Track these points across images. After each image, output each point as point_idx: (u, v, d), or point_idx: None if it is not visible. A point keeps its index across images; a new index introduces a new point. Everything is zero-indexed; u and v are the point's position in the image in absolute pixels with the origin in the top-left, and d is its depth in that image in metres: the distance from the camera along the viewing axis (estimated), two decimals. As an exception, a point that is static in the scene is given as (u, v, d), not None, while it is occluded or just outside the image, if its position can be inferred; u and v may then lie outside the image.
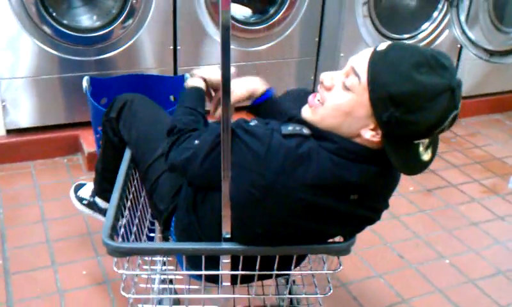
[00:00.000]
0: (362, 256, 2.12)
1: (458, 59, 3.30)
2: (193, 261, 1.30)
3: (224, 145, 1.08)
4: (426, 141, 1.11)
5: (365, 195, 1.17)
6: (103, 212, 1.88)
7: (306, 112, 1.20)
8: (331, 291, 1.36)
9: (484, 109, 3.51)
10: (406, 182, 2.68)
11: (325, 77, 1.18)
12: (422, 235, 2.30)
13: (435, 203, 2.55)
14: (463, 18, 3.05)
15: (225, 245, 1.21)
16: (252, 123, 1.17)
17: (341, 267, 1.32)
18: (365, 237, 2.20)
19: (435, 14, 3.10)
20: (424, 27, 3.11)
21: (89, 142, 2.55)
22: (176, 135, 1.28)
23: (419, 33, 3.10)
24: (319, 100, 1.18)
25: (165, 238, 1.47)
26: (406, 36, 3.07)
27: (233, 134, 1.11)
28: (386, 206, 1.27)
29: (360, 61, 1.11)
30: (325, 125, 1.16)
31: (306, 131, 1.14)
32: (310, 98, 1.21)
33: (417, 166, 1.12)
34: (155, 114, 1.63)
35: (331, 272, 1.33)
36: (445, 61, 1.08)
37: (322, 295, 1.36)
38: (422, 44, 3.12)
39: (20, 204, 2.30)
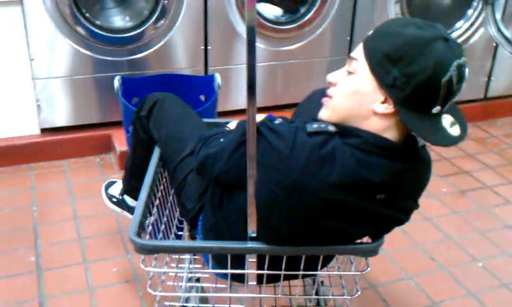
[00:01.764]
0: (392, 258, 2.09)
1: (493, 58, 3.23)
2: (220, 259, 1.30)
3: (249, 143, 1.07)
4: (447, 115, 1.10)
5: (392, 194, 1.15)
6: (131, 210, 1.90)
7: (321, 112, 1.22)
8: (359, 292, 1.34)
9: (519, 108, 3.43)
10: (438, 183, 2.63)
11: (330, 76, 1.20)
12: (454, 237, 2.25)
13: (468, 205, 2.49)
14: (498, 16, 2.99)
15: (251, 245, 1.20)
16: (277, 121, 1.16)
17: (368, 268, 1.29)
18: (395, 238, 2.18)
19: (470, 12, 3.03)
20: (458, 25, 3.04)
21: (121, 141, 2.58)
22: (205, 139, 1.29)
23: (453, 31, 3.04)
24: (329, 97, 1.20)
25: (192, 237, 1.48)
26: (439, 34, 3.01)
27: (258, 132, 1.10)
28: (415, 206, 1.25)
29: (356, 48, 1.16)
30: (338, 114, 1.16)
31: (331, 128, 1.13)
32: (323, 100, 1.22)
33: (444, 138, 1.10)
34: (185, 114, 1.65)
35: (359, 273, 1.31)
36: (433, 24, 1.10)
37: (349, 297, 1.34)
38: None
39: (53, 201, 2.34)
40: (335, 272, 1.38)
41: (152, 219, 1.35)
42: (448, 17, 3.07)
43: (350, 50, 3.05)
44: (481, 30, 3.07)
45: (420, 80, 1.05)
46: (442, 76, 1.05)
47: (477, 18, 3.03)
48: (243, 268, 1.25)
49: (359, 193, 1.12)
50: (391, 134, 1.13)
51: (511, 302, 1.93)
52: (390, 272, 2.02)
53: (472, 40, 3.09)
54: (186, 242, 1.53)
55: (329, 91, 1.20)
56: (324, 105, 1.21)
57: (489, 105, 3.33)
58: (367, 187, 1.12)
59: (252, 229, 1.18)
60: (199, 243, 1.38)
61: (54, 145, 2.62)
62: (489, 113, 3.33)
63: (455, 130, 1.11)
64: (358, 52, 1.14)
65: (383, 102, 1.10)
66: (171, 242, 1.45)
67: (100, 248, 2.06)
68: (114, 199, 1.96)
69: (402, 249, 2.14)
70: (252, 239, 1.20)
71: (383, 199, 1.14)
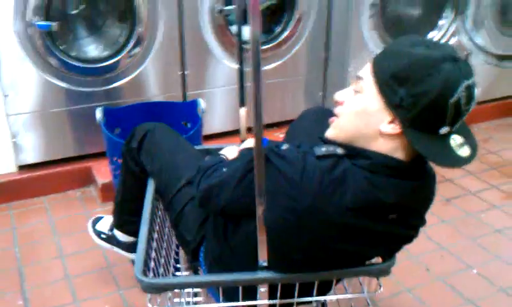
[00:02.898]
0: (388, 272, 2.07)
1: (466, 66, 3.28)
2: (228, 291, 1.26)
3: (257, 170, 1.04)
4: (456, 136, 1.08)
5: (403, 213, 1.14)
6: (122, 245, 1.84)
7: (328, 132, 1.20)
8: None
9: (495, 113, 3.48)
10: (424, 193, 2.63)
11: (337, 94, 1.19)
12: (446, 245, 2.25)
13: (455, 213, 2.50)
14: (469, 25, 3.05)
15: (262, 275, 1.16)
16: (284, 147, 1.14)
17: (381, 289, 1.27)
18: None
19: (441, 22, 3.08)
20: (430, 36, 3.09)
21: (101, 173, 2.52)
22: (205, 169, 1.25)
23: (426, 42, 3.08)
24: (336, 116, 1.18)
25: (193, 269, 1.43)
26: (413, 46, 3.05)
27: (266, 159, 1.08)
28: (423, 222, 1.24)
29: (364, 67, 1.14)
30: (345, 134, 1.15)
31: (340, 151, 1.11)
32: (330, 119, 1.20)
33: (452, 159, 1.08)
34: (178, 143, 1.61)
35: (372, 294, 1.28)
36: (443, 43, 1.11)
37: None
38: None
39: (36, 241, 2.26)
40: (347, 295, 1.33)
41: (153, 255, 1.30)
42: (421, 28, 3.12)
43: (326, 66, 3.07)
44: (455, 38, 3.12)
45: (428, 101, 1.03)
46: (450, 97, 1.03)
47: (448, 28, 3.08)
48: (252, 298, 1.21)
49: (372, 215, 1.10)
50: (399, 154, 1.11)
51: (511, 306, 1.93)
52: (389, 287, 2.00)
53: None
54: (196, 277, 1.47)
55: (336, 110, 1.18)
56: (332, 125, 1.19)
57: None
58: (379, 208, 1.10)
59: (263, 259, 1.14)
60: (209, 277, 1.33)
61: (33, 182, 2.54)
62: (467, 119, 3.36)
63: (464, 151, 1.09)
64: (365, 71, 1.13)
65: (390, 122, 1.08)
66: (182, 278, 1.42)
67: (89, 286, 1.99)
68: (103, 235, 1.89)
69: (398, 262, 2.12)
70: (263, 268, 1.16)
71: (395, 219, 1.13)
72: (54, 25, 2.30)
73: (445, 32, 3.08)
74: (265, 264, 1.16)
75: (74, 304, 1.90)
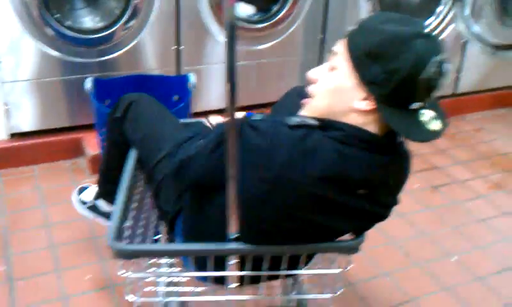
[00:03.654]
0: (368, 255, 2.10)
1: (462, 54, 3.27)
2: (200, 262, 1.29)
3: (230, 142, 1.06)
4: (428, 111, 1.11)
5: (373, 189, 1.16)
6: (105, 215, 1.86)
7: (302, 112, 1.22)
8: (342, 289, 1.34)
9: (488, 104, 3.49)
10: (411, 179, 2.62)
11: (311, 72, 1.21)
12: (428, 232, 2.28)
13: (441, 200, 2.52)
14: (467, 12, 3.03)
15: (233, 246, 1.19)
16: (257, 118, 1.15)
17: (351, 265, 1.30)
18: (370, 235, 2.18)
19: (439, 9, 3.07)
20: (428, 22, 3.08)
21: (92, 145, 2.54)
22: (182, 141, 1.27)
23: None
24: (309, 95, 1.21)
25: (171, 240, 1.46)
26: (409, 31, 3.04)
27: (239, 131, 1.09)
28: (395, 202, 1.25)
29: (338, 42, 1.16)
30: (319, 112, 1.16)
31: (312, 121, 1.13)
32: (304, 101, 1.22)
33: (423, 133, 1.10)
34: (161, 115, 1.62)
35: (341, 270, 1.30)
36: (415, 20, 1.11)
37: (332, 295, 1.34)
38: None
39: (24, 208, 2.29)
40: (317, 271, 1.36)
41: (128, 224, 1.32)
42: (419, 14, 3.10)
43: (322, 48, 3.06)
44: (451, 26, 3.11)
45: (400, 77, 1.05)
46: (422, 73, 1.05)
47: (446, 14, 3.07)
48: (223, 269, 1.24)
49: (341, 187, 1.12)
50: (371, 129, 1.13)
51: (486, 295, 1.96)
52: (367, 270, 2.03)
53: (442, 36, 3.13)
54: (168, 245, 1.50)
55: (310, 89, 1.20)
56: (306, 106, 1.21)
57: (459, 101, 3.38)
58: (349, 181, 1.12)
59: (233, 230, 1.16)
60: (181, 246, 1.36)
61: (24, 150, 2.56)
62: (459, 109, 3.38)
63: (435, 125, 1.12)
64: (340, 47, 1.14)
65: (364, 99, 1.10)
66: (153, 246, 1.44)
67: (72, 255, 2.02)
68: (87, 205, 1.92)
69: (378, 246, 2.16)
70: (233, 240, 1.18)
71: (365, 195, 1.15)
72: (50, -7, 2.30)
73: (442, 19, 3.07)
74: (235, 236, 1.17)
75: (56, 272, 1.94)
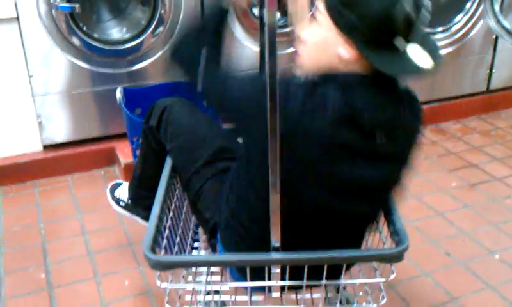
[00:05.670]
0: (408, 255, 2.04)
1: (494, 50, 3.21)
2: (240, 268, 1.27)
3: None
4: (414, 45, 1.11)
5: (388, 130, 1.15)
6: (141, 215, 1.85)
7: (296, 73, 1.23)
8: (385, 300, 1.29)
9: (523, 99, 3.41)
10: (448, 178, 2.60)
11: (301, 31, 1.22)
12: (468, 230, 2.22)
13: (479, 198, 2.46)
14: (497, 7, 2.98)
15: (274, 256, 1.14)
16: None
17: (394, 275, 1.25)
18: (409, 235, 2.15)
19: (468, 5, 3.01)
20: (457, 19, 3.03)
21: (124, 153, 2.55)
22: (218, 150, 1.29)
23: (452, 25, 3.02)
24: (298, 55, 1.22)
25: (212, 246, 1.44)
26: (439, 28, 3.00)
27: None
28: (415, 141, 1.24)
29: None
30: (311, 67, 1.18)
31: (314, 78, 1.14)
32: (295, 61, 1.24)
33: (411, 67, 1.11)
34: (197, 120, 1.59)
35: (384, 279, 1.26)
36: None
37: (375, 304, 1.29)
38: (457, 36, 3.05)
39: (60, 218, 2.31)
40: (360, 280, 1.30)
41: (166, 232, 1.30)
42: (447, 11, 3.06)
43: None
44: (480, 23, 3.05)
45: (374, 15, 1.07)
46: (394, 9, 1.06)
47: (475, 10, 3.01)
48: (263, 275, 1.21)
49: (356, 130, 1.11)
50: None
51: (532, 293, 1.90)
52: (407, 270, 1.98)
53: (472, 33, 3.08)
54: (203, 256, 1.49)
55: (299, 49, 1.22)
56: (297, 66, 1.22)
57: (493, 98, 3.31)
58: (360, 122, 1.11)
59: (276, 239, 1.13)
60: (218, 256, 1.33)
61: (57, 161, 2.59)
62: (493, 105, 3.31)
63: (425, 62, 1.11)
64: (320, 1, 1.16)
65: (346, 46, 1.11)
66: (188, 257, 1.40)
67: (110, 262, 2.02)
68: (122, 203, 1.92)
69: (417, 246, 2.11)
70: (275, 249, 1.14)
71: (381, 138, 1.14)
72: (76, 7, 2.32)
73: (471, 15, 3.01)
74: (277, 245, 1.14)
75: (95, 279, 1.94)
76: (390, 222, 1.28)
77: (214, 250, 1.47)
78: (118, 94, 2.22)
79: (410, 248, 2.04)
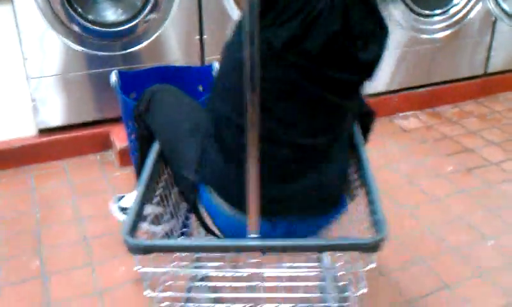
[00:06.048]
0: (401, 240, 2.06)
1: (492, 33, 3.18)
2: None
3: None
4: None
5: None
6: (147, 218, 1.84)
7: None
8: (365, 289, 1.25)
9: (521, 82, 3.39)
10: (444, 162, 2.60)
11: None
12: (463, 216, 2.23)
13: (476, 183, 2.46)
14: (496, -11, 2.95)
15: (252, 242, 1.16)
16: None
17: (373, 265, 1.21)
18: (404, 221, 2.16)
19: (467, -13, 2.99)
20: (455, 1, 3.00)
21: (120, 137, 2.54)
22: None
23: (451, 7, 3.00)
24: None
25: (202, 224, 1.43)
26: (438, 11, 2.97)
27: None
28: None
29: None
30: None
31: None
32: None
33: None
34: (180, 101, 1.59)
35: (363, 268, 1.22)
36: None
37: (356, 294, 1.26)
38: (455, 18, 3.02)
39: (55, 203, 2.30)
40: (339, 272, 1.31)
41: (150, 218, 1.30)
42: (446, -7, 3.03)
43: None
44: (479, 5, 3.02)
45: None
46: None
47: (475, -8, 2.99)
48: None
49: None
50: None
51: (525, 280, 1.91)
52: (401, 256, 1.99)
53: (470, 16, 3.05)
54: (182, 241, 1.47)
55: None
56: None
57: (490, 81, 3.30)
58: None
59: (254, 230, 1.14)
60: (196, 241, 1.35)
61: (52, 145, 2.58)
62: (490, 89, 3.30)
63: None
64: None
65: None
66: (167, 241, 1.39)
67: (105, 248, 2.03)
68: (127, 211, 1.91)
69: (412, 232, 2.12)
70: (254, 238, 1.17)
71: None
72: (71, -12, 2.30)
73: (470, -3, 2.99)
74: (255, 236, 1.16)
75: (90, 265, 1.94)
76: (371, 211, 1.27)
77: (204, 227, 1.46)
78: (114, 77, 2.19)
79: (403, 233, 2.07)
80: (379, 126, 2.91)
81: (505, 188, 2.42)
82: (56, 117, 2.58)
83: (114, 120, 2.60)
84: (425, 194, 2.35)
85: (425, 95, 3.10)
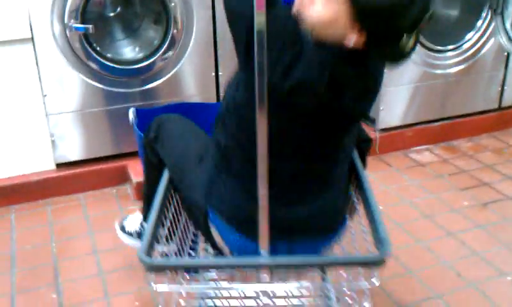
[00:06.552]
0: (418, 276, 2.04)
1: (506, 67, 3.20)
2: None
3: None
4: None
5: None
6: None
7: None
8: (369, 305, 1.29)
9: (536, 116, 3.38)
10: (459, 196, 2.59)
11: None
12: (480, 251, 2.21)
13: (492, 217, 2.44)
14: (508, 25, 2.98)
15: (263, 260, 1.24)
16: None
17: (378, 283, 1.24)
18: (420, 256, 2.15)
19: (479, 23, 3.01)
20: (468, 36, 3.02)
21: (136, 171, 2.57)
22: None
23: (464, 43, 3.02)
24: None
25: (210, 242, 1.47)
26: (450, 46, 2.99)
27: None
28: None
29: None
30: (311, 24, 1.18)
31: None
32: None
33: (398, 57, 1.19)
34: (189, 129, 1.66)
35: (368, 285, 1.26)
36: None
37: None
38: (468, 53, 3.04)
39: (72, 236, 2.33)
40: (343, 289, 1.34)
41: (163, 240, 1.35)
42: (458, 29, 3.06)
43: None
44: (492, 40, 3.05)
45: (399, 27, 1.13)
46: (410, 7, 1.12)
47: (486, 28, 3.01)
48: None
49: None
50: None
51: (545, 316, 1.88)
52: (418, 292, 1.97)
53: (484, 50, 3.07)
54: (194, 260, 1.54)
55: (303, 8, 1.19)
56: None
57: (505, 115, 3.30)
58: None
59: (263, 247, 1.21)
60: (207, 260, 1.45)
61: (70, 179, 2.62)
62: (506, 122, 3.29)
63: (409, 43, 1.16)
64: None
65: (355, 35, 1.14)
66: (179, 260, 1.46)
67: (121, 282, 2.04)
68: (133, 233, 1.94)
69: (428, 267, 2.10)
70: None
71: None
72: (90, 27, 2.36)
73: (483, 32, 3.01)
74: (265, 251, 1.23)
75: (105, 299, 1.95)
76: (373, 229, 1.31)
77: (213, 245, 1.50)
78: (131, 115, 2.24)
79: (420, 269, 2.06)
80: (395, 161, 2.93)
81: (522, 223, 2.40)
82: (73, 152, 2.63)
83: (131, 154, 2.64)
84: (441, 228, 2.34)
85: (439, 129, 3.11)
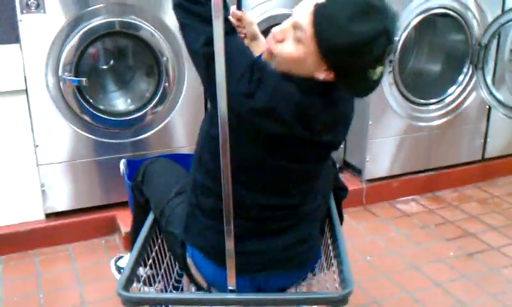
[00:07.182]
0: (406, 327, 2.05)
1: (488, 120, 3.29)
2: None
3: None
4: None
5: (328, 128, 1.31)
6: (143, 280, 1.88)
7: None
8: None
9: (518, 168, 3.46)
10: (445, 247, 2.62)
11: (276, 30, 1.27)
12: (466, 301, 2.23)
13: (477, 268, 2.48)
14: (489, 79, 3.08)
15: (230, 296, 1.29)
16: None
17: None
18: (407, 306, 2.16)
19: (460, 77, 3.12)
20: (450, 91, 3.13)
21: (125, 222, 2.58)
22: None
23: (446, 97, 3.12)
24: (272, 49, 1.29)
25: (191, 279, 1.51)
26: (432, 100, 3.09)
27: None
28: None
29: (303, 14, 1.22)
30: (279, 63, 1.27)
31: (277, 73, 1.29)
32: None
33: (368, 87, 1.25)
34: (171, 168, 1.74)
35: None
36: (377, 2, 1.19)
37: None
38: (451, 107, 3.13)
39: (60, 287, 2.32)
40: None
41: (145, 275, 1.41)
42: (441, 83, 3.16)
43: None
44: (474, 94, 3.15)
45: (363, 63, 1.21)
46: (381, 60, 1.22)
47: (468, 82, 3.12)
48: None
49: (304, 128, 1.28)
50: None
51: None
52: (406, 342, 1.98)
53: (466, 104, 3.17)
54: (171, 294, 1.58)
55: (273, 47, 1.27)
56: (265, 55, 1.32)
57: (488, 166, 3.37)
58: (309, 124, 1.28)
59: (231, 282, 1.28)
60: (182, 294, 1.50)
61: (59, 230, 2.62)
62: (489, 174, 3.36)
63: (376, 73, 1.23)
64: (305, 22, 1.21)
65: (325, 70, 1.22)
66: (156, 294, 1.53)
67: (109, 333, 2.03)
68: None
69: (416, 318, 2.11)
70: (232, 291, 1.30)
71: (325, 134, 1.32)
72: (84, 80, 2.42)
73: (464, 87, 3.12)
74: (232, 288, 1.28)
75: (93, 351, 1.94)
76: (339, 269, 1.39)
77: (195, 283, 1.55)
78: (122, 166, 2.27)
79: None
80: (381, 211, 2.98)
81: (507, 273, 2.43)
82: (63, 202, 2.64)
83: (120, 204, 2.66)
84: (428, 279, 2.36)
85: (425, 180, 3.17)
